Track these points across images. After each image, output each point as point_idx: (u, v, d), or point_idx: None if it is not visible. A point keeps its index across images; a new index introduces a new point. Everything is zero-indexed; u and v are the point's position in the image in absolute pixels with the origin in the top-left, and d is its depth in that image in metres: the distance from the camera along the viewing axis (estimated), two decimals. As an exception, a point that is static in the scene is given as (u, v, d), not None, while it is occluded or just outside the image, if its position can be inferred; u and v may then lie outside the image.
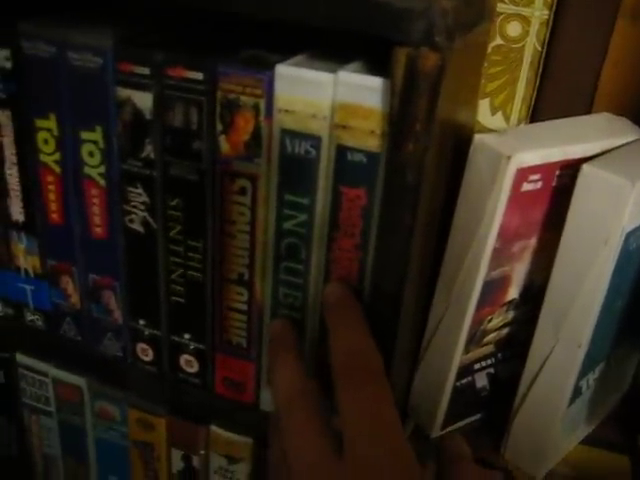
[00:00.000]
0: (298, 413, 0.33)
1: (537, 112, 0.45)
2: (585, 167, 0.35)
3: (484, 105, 0.46)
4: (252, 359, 0.42)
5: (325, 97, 0.33)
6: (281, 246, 0.38)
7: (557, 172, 0.37)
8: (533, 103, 0.45)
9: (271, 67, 0.34)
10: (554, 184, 0.38)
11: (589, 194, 0.35)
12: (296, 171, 0.36)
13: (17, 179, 0.43)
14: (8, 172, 0.43)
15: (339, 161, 0.34)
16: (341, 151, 0.34)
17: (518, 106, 0.45)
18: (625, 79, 0.43)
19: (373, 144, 0.33)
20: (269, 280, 0.39)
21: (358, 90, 0.33)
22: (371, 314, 0.36)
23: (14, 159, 0.43)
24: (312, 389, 0.34)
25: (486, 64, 0.44)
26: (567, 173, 0.37)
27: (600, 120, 0.42)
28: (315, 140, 0.35)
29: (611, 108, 0.43)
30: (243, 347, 0.42)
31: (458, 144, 0.39)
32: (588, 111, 0.44)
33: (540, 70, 0.44)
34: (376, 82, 0.32)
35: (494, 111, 0.46)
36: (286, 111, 0.34)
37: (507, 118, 0.46)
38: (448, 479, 0.34)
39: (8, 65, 0.40)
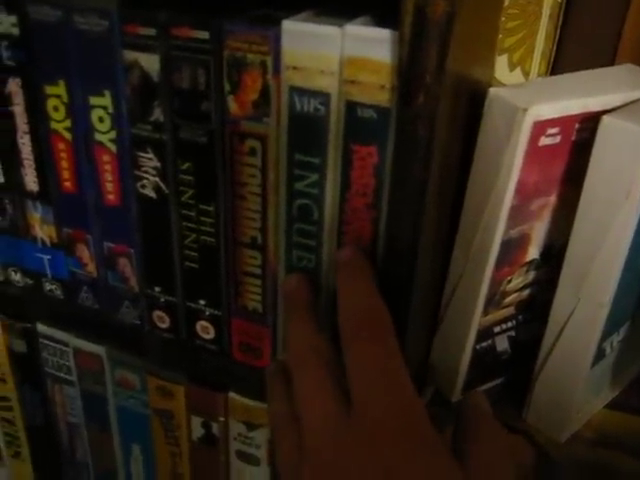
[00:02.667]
0: (310, 369, 0.32)
1: (557, 67, 0.44)
2: (605, 118, 0.34)
3: (502, 61, 0.44)
4: (268, 324, 0.41)
5: (333, 52, 0.33)
6: (293, 207, 0.37)
7: (577, 125, 0.36)
8: (553, 58, 0.43)
9: (277, 23, 0.33)
10: (574, 138, 0.36)
11: (609, 146, 0.34)
12: (306, 130, 0.35)
13: (30, 148, 0.43)
14: (21, 141, 0.43)
15: (349, 118, 0.34)
16: (351, 107, 0.33)
17: (537, 61, 0.44)
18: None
19: (383, 99, 0.32)
20: (282, 243, 0.38)
21: (366, 43, 0.32)
22: (385, 274, 0.36)
23: (26, 128, 0.42)
24: (326, 346, 0.33)
25: (503, 18, 0.43)
26: (587, 127, 0.36)
27: (622, 72, 0.40)
28: (324, 97, 0.34)
29: (635, 59, 0.41)
30: (259, 312, 0.41)
31: (474, 101, 0.37)
32: (611, 64, 0.42)
33: (560, 22, 0.42)
34: (384, 33, 0.31)
35: (512, 67, 0.44)
36: (294, 68, 0.34)
37: (526, 74, 0.44)
38: (467, 439, 0.33)
39: (15, 31, 0.39)
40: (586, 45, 0.42)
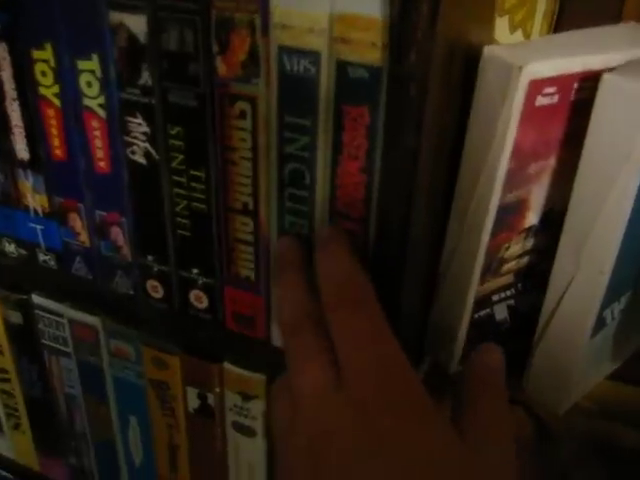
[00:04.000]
0: (303, 336, 0.32)
1: (560, 29, 0.42)
2: (606, 76, 0.33)
3: (503, 23, 0.43)
4: (261, 293, 0.41)
5: (322, 8, 0.31)
6: (284, 172, 0.36)
7: (575, 85, 0.35)
8: (555, 19, 0.42)
9: (265, -20, 0.32)
10: (572, 98, 0.35)
11: (610, 105, 0.33)
12: (296, 91, 0.34)
13: (19, 115, 0.42)
14: (10, 108, 0.42)
15: (340, 78, 0.33)
16: (341, 67, 0.32)
17: (539, 22, 0.42)
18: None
19: (375, 57, 0.31)
20: (274, 208, 0.38)
21: (357, -2, 0.31)
22: (378, 240, 0.35)
23: (14, 94, 0.42)
24: (318, 309, 0.32)
25: (503, -23, 0.41)
26: (587, 86, 0.34)
27: (626, 30, 0.39)
28: (314, 56, 0.33)
29: (640, 19, 0.40)
30: (251, 280, 0.41)
31: (471, 64, 0.36)
32: (615, 23, 0.41)
33: (562, -19, 0.41)
34: (375, -12, 0.30)
35: (513, 29, 0.43)
36: (282, 26, 0.33)
37: (528, 36, 0.43)
38: (468, 403, 0.32)
39: (0, -6, 0.39)
40: (590, 5, 0.41)
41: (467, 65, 0.36)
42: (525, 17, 0.42)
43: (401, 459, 0.27)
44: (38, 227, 0.46)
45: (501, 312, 0.42)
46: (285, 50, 0.33)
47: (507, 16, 0.43)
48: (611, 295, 0.38)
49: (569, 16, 0.41)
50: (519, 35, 0.43)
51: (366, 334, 0.30)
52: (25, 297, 0.51)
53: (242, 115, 0.36)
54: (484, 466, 0.29)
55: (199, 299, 0.43)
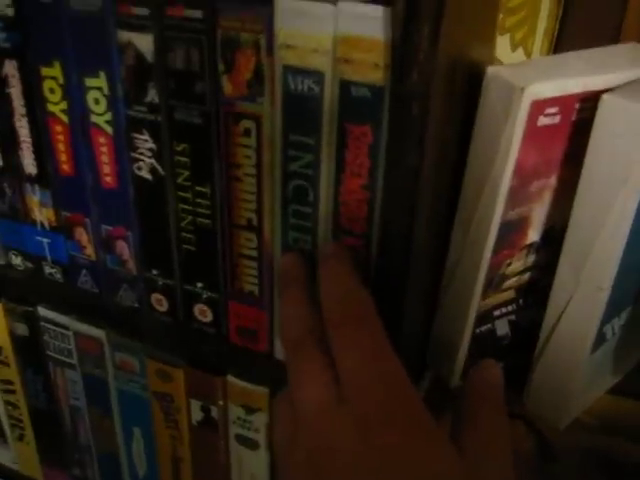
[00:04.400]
0: (304, 352, 0.32)
1: (560, 46, 0.43)
2: (605, 96, 0.33)
3: (504, 41, 0.43)
4: (264, 308, 0.41)
5: (326, 30, 0.32)
6: (288, 189, 0.37)
7: (577, 105, 0.35)
8: (556, 37, 0.43)
9: (271, 1, 0.32)
10: (574, 118, 0.35)
11: (609, 126, 0.33)
12: (300, 109, 0.34)
13: (27, 131, 0.43)
14: (18, 124, 0.43)
15: (343, 97, 0.33)
16: (345, 86, 0.33)
17: (540, 41, 0.43)
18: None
19: (377, 77, 0.32)
20: (278, 225, 0.38)
21: (359, 20, 0.31)
22: (381, 257, 0.35)
23: (23, 110, 0.42)
24: (320, 326, 0.32)
25: (505, -3, 0.42)
26: (588, 106, 0.35)
27: (627, 50, 0.39)
28: (318, 76, 0.33)
29: (640, 38, 0.40)
30: (255, 295, 0.41)
31: (473, 81, 0.37)
32: (616, 42, 0.41)
33: (562, 1, 0.41)
34: (378, 10, 0.30)
35: (514, 47, 0.43)
36: (287, 46, 0.33)
37: (528, 54, 0.43)
38: (466, 419, 0.32)
39: (10, 12, 0.39)
40: (590, 24, 0.41)
41: (470, 82, 0.37)
42: (526, 36, 0.43)
43: (401, 476, 0.27)
44: (45, 241, 0.47)
45: (502, 327, 0.43)
46: (289, 70, 0.34)
47: (508, 34, 0.43)
48: (611, 311, 0.39)
49: (569, 35, 0.42)
50: (520, 53, 0.44)
51: (367, 351, 0.30)
52: (31, 309, 0.51)
53: (247, 133, 0.36)
54: None
55: (203, 313, 0.43)
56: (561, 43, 0.43)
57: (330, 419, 0.29)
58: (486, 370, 0.35)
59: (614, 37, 0.41)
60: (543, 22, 0.42)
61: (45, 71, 0.40)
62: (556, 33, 0.42)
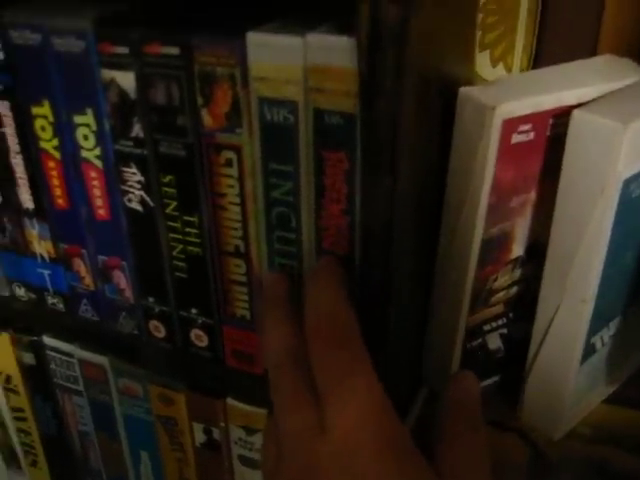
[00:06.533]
0: (285, 375, 0.32)
1: (539, 61, 0.43)
2: (575, 112, 0.33)
3: (484, 57, 0.44)
4: (257, 331, 0.42)
5: (297, 61, 0.33)
6: (272, 215, 0.38)
7: (551, 121, 0.35)
8: (534, 52, 0.43)
9: (242, 35, 0.33)
10: (549, 133, 0.36)
11: (581, 141, 0.33)
12: (277, 139, 0.35)
13: (23, 167, 0.44)
14: (14, 161, 0.44)
15: (317, 125, 0.34)
16: (318, 115, 0.34)
17: (519, 56, 0.43)
18: (631, 16, 0.41)
19: (349, 105, 0.33)
20: (264, 250, 0.39)
21: (328, 51, 0.32)
22: (362, 279, 0.36)
23: (17, 148, 0.44)
24: (302, 347, 0.32)
25: (481, 14, 0.42)
26: (562, 121, 0.35)
27: (601, 63, 0.39)
28: (292, 105, 0.34)
29: (616, 49, 0.41)
30: (247, 319, 0.42)
31: (450, 100, 0.37)
32: (593, 55, 0.42)
33: (538, 16, 0.42)
34: (345, 41, 0.31)
35: (495, 63, 0.44)
36: (261, 79, 0.34)
37: (509, 69, 0.44)
38: (443, 439, 0.33)
39: (1, 56, 0.40)
40: (567, 38, 0.42)
41: (448, 101, 0.37)
42: (504, 51, 0.43)
43: None
44: (45, 272, 0.48)
45: (494, 341, 0.43)
46: (265, 101, 0.34)
47: (487, 50, 0.44)
48: (599, 322, 0.39)
49: (547, 49, 0.42)
50: (501, 68, 0.44)
51: (345, 371, 0.30)
52: (36, 338, 0.53)
53: (228, 163, 0.37)
54: None
55: (199, 338, 0.44)
56: (540, 57, 0.43)
57: (309, 444, 0.29)
58: (461, 384, 0.35)
59: (591, 49, 0.42)
60: (521, 38, 0.43)
61: (35, 110, 0.41)
62: (534, 48, 0.43)
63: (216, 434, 0.48)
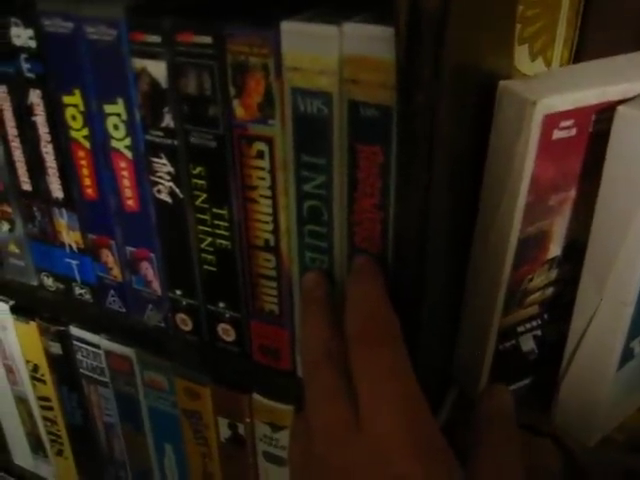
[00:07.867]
0: (321, 373, 0.31)
1: (580, 55, 0.42)
2: (620, 108, 0.32)
3: (523, 51, 0.43)
4: (285, 326, 0.41)
5: (332, 51, 0.32)
6: (303, 209, 0.37)
7: (594, 117, 0.34)
8: (575, 45, 0.42)
9: (277, 25, 0.33)
10: (591, 130, 0.35)
11: (625, 138, 0.32)
12: (310, 131, 0.34)
13: (53, 157, 0.44)
14: (44, 150, 0.44)
15: (352, 118, 0.33)
16: (353, 107, 0.33)
17: (559, 50, 0.42)
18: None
19: (385, 97, 0.32)
20: (295, 245, 0.38)
21: (365, 41, 0.31)
22: (395, 275, 0.35)
23: (48, 137, 0.43)
24: (339, 346, 0.32)
25: (522, 7, 0.41)
26: (606, 117, 0.34)
27: (646, 57, 0.38)
28: (326, 97, 0.33)
29: (663, 44, 0.39)
30: (275, 314, 0.41)
31: (489, 93, 0.36)
32: (638, 49, 0.40)
33: (581, 8, 0.40)
34: (382, 31, 0.30)
35: (534, 57, 0.43)
36: (295, 69, 0.33)
37: (548, 63, 0.42)
38: (478, 442, 0.32)
39: (33, 44, 0.40)
40: (609, 30, 0.40)
41: (486, 95, 0.36)
42: (545, 45, 0.42)
43: None
44: (74, 262, 0.48)
45: (527, 343, 0.42)
46: (298, 91, 0.34)
47: (526, 44, 0.43)
48: (638, 326, 0.37)
49: (589, 43, 0.41)
50: (540, 63, 0.43)
51: (386, 373, 0.29)
52: (63, 329, 0.53)
53: (260, 155, 0.36)
54: None
55: (227, 332, 0.44)
56: (582, 52, 0.42)
57: (344, 442, 0.29)
58: (496, 396, 0.34)
59: (637, 43, 0.40)
60: (562, 31, 0.41)
61: (67, 99, 0.41)
62: (576, 41, 0.42)
63: (241, 429, 0.48)
